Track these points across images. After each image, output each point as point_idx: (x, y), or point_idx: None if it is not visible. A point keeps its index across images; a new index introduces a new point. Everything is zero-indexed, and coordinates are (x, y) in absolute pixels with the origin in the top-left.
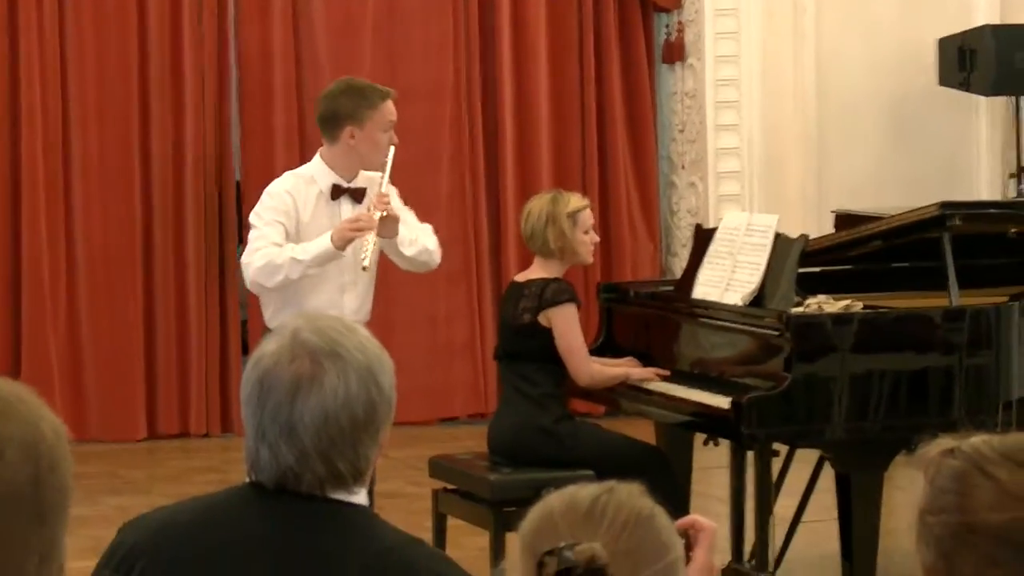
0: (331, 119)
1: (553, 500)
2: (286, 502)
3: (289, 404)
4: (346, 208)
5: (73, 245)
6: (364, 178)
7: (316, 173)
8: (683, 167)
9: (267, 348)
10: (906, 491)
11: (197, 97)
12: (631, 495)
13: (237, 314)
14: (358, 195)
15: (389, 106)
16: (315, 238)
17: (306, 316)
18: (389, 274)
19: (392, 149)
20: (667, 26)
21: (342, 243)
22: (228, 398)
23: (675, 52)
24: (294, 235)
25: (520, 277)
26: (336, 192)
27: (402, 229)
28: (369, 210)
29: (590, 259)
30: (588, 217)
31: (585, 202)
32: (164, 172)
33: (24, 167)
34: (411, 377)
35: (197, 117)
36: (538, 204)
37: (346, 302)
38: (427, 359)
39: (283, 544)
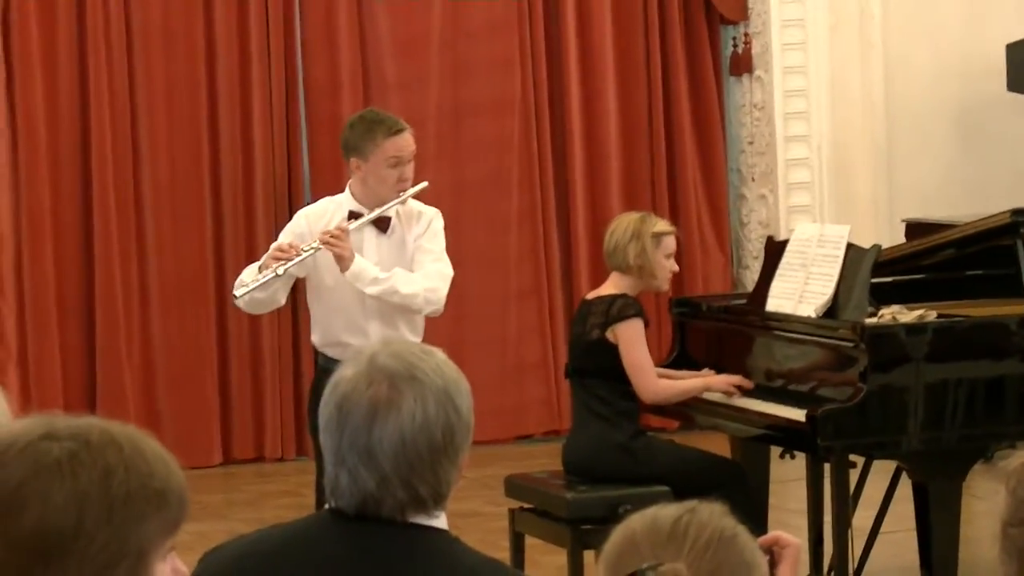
0: (343, 149)
1: (635, 521)
2: (367, 528)
3: (367, 429)
4: (369, 237)
5: (146, 272)
6: (401, 209)
7: (344, 200)
8: (753, 179)
9: (345, 373)
10: (985, 500)
11: (266, 126)
12: (713, 515)
13: (309, 337)
14: (382, 224)
15: (397, 141)
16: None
17: (384, 340)
18: (460, 293)
19: (421, 186)
20: (734, 38)
21: (263, 268)
22: (302, 421)
23: (743, 64)
24: (309, 260)
25: (591, 295)
26: (352, 218)
27: (366, 267)
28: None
29: (666, 286)
30: (672, 243)
31: (672, 228)
32: (235, 199)
33: (95, 198)
34: (484, 396)
35: (266, 147)
36: (626, 219)
37: (372, 329)
38: (500, 378)
39: (366, 571)
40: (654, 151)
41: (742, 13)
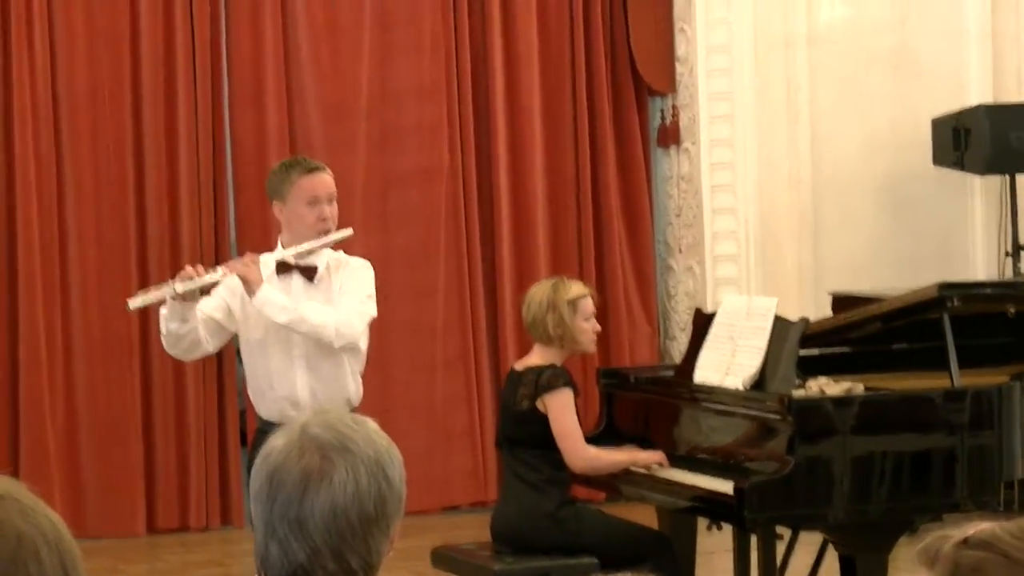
0: (268, 197)
1: None
2: None
3: (299, 500)
4: (296, 286)
5: (70, 336)
6: (330, 257)
7: (274, 252)
8: (680, 251)
9: (276, 443)
10: (910, 573)
11: (192, 185)
12: None
13: (235, 404)
14: (308, 273)
15: (313, 180)
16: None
17: (315, 410)
18: (386, 361)
19: (346, 232)
20: (662, 110)
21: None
22: (227, 490)
23: (670, 136)
24: (238, 310)
25: (519, 365)
26: (281, 269)
27: (274, 295)
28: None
29: (592, 348)
30: (589, 305)
31: (586, 290)
32: (161, 263)
33: (20, 257)
34: (411, 466)
35: (193, 207)
36: (539, 291)
37: (298, 380)
38: (426, 447)
39: None
40: (581, 221)
41: (670, 85)
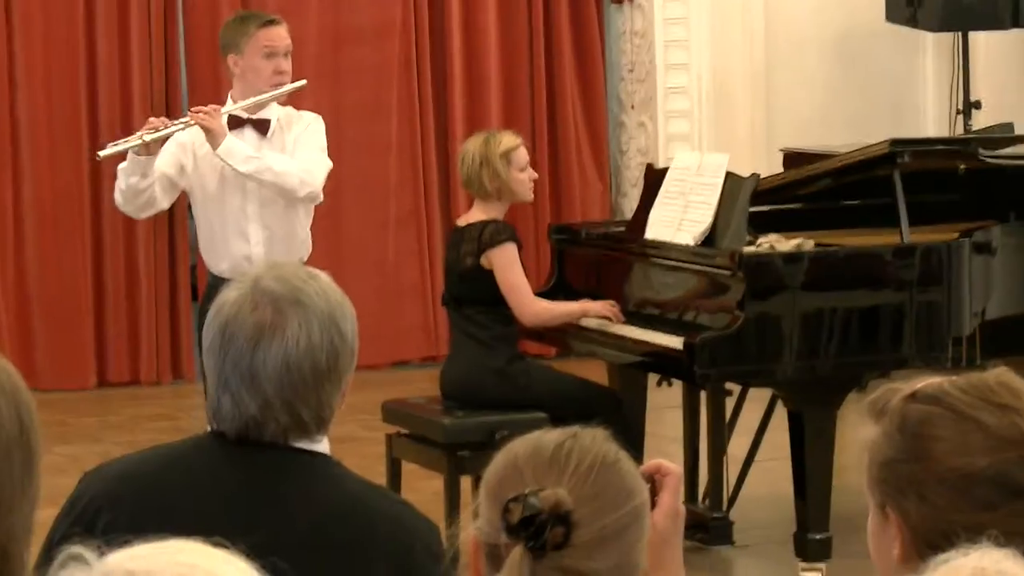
0: (221, 50)
1: (517, 446)
2: (249, 452)
3: (251, 352)
4: (249, 139)
5: (20, 191)
6: (281, 112)
7: (226, 107)
8: (632, 107)
9: (228, 296)
10: (858, 428)
11: (144, 41)
12: (596, 440)
13: (187, 258)
14: (262, 127)
15: (270, 32)
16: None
17: (268, 264)
18: (339, 217)
19: (300, 83)
20: None
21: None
22: (178, 345)
23: None
24: (190, 165)
25: (461, 221)
26: (233, 123)
27: (238, 144)
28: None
29: (529, 196)
30: (523, 155)
31: (518, 140)
32: (111, 115)
33: None
34: (362, 322)
35: (144, 60)
36: (471, 146)
37: (252, 235)
38: (378, 303)
39: (248, 495)
40: (534, 77)
41: None
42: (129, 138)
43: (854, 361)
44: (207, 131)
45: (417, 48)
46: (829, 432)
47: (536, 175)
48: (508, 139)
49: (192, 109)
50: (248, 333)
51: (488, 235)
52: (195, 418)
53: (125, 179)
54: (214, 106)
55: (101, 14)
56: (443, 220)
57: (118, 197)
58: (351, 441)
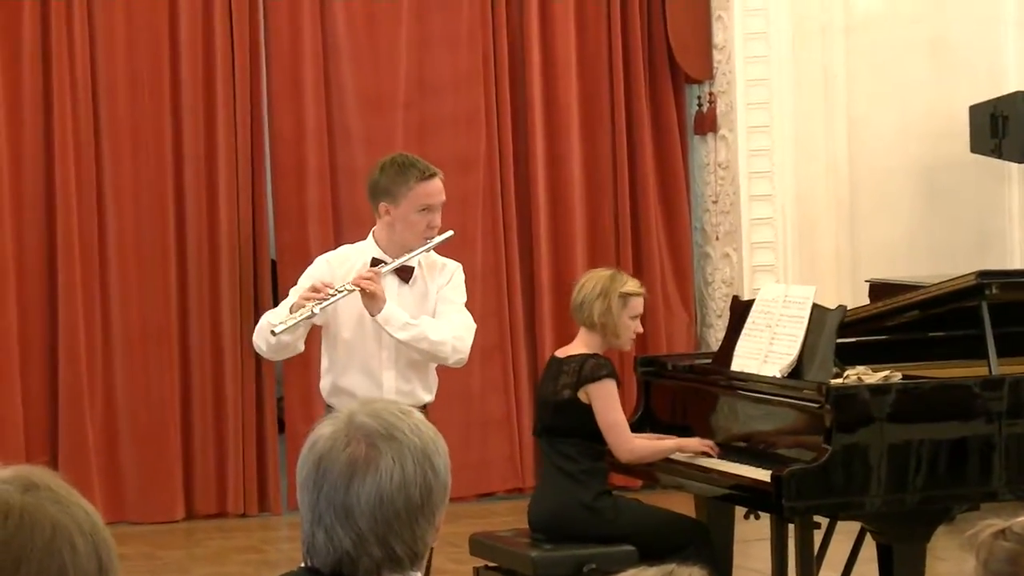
0: (370, 193)
1: None
2: None
3: (345, 487)
4: (391, 286)
5: (109, 325)
6: (422, 256)
7: (367, 247)
8: (717, 238)
9: (323, 431)
10: (947, 562)
11: (231, 176)
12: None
13: (273, 391)
14: (404, 274)
15: (429, 187)
16: (349, 313)
17: (362, 400)
18: None
19: (447, 235)
20: (699, 97)
21: (296, 307)
22: (265, 477)
23: (707, 123)
24: (330, 310)
25: (560, 353)
26: (375, 265)
27: (397, 312)
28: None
29: (628, 346)
30: (639, 305)
31: (642, 289)
32: (199, 251)
33: (60, 245)
34: (449, 454)
35: (231, 196)
36: (596, 275)
37: (386, 380)
38: (463, 435)
39: None
40: (618, 209)
41: (707, 72)
42: (301, 311)
43: (943, 494)
44: (370, 296)
45: (502, 181)
46: (919, 565)
47: (642, 330)
48: (633, 284)
49: (360, 275)
50: (342, 468)
51: (588, 369)
52: (282, 550)
53: (278, 338)
54: (374, 270)
55: (189, 145)
56: (528, 352)
57: (261, 346)
58: (439, 574)
